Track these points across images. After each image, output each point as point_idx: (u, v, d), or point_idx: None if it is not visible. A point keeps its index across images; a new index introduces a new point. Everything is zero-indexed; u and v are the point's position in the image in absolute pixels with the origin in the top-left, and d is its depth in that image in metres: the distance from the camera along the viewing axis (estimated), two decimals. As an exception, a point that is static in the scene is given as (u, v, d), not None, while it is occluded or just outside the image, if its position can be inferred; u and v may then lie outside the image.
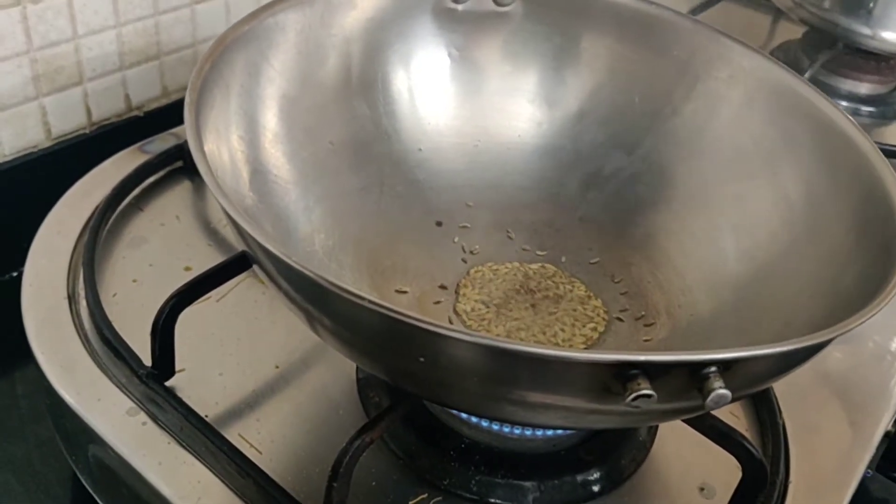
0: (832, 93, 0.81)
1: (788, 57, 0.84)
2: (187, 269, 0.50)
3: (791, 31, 0.88)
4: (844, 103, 0.80)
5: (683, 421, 0.41)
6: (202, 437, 0.41)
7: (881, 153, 0.42)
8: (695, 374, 0.28)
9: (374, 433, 0.37)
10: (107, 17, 0.59)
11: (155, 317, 0.42)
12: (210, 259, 0.48)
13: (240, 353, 0.46)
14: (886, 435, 0.51)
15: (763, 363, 0.30)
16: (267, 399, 0.44)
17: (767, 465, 0.40)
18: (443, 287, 0.48)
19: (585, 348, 0.45)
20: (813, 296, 0.40)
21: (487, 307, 0.46)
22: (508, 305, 0.46)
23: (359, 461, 0.37)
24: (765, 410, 0.47)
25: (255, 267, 0.37)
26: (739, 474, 0.39)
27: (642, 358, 0.27)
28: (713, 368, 0.28)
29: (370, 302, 0.29)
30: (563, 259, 0.50)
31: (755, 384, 0.33)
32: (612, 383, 0.28)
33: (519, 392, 0.31)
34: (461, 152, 0.51)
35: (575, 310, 0.46)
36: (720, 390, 0.28)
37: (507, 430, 0.42)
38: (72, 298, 0.47)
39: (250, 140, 0.43)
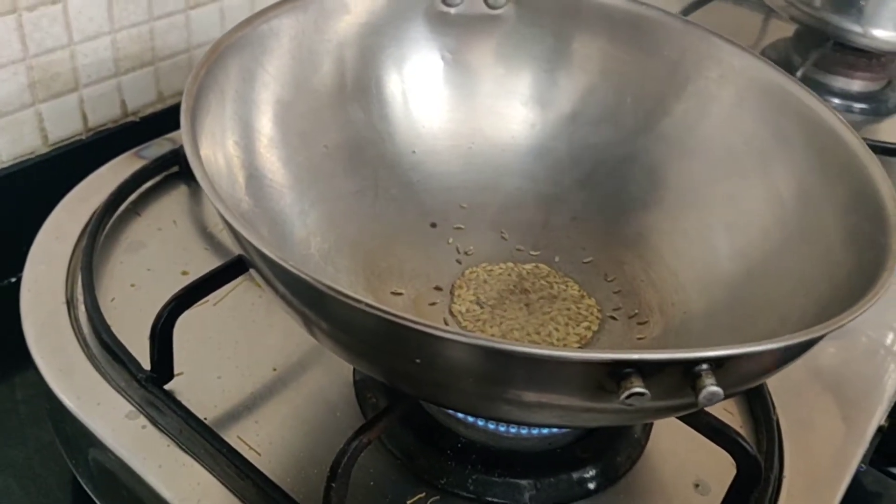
0: (824, 90, 0.81)
1: (780, 55, 0.85)
2: (185, 273, 0.51)
3: (783, 30, 0.88)
4: (836, 101, 0.81)
5: (678, 418, 0.41)
6: (201, 439, 0.41)
7: (870, 150, 0.42)
8: (687, 372, 0.29)
9: (372, 434, 0.38)
10: (102, 23, 0.59)
11: (153, 321, 0.43)
12: (207, 263, 0.48)
13: (238, 356, 0.47)
14: (879, 430, 0.51)
15: (754, 360, 0.31)
16: (265, 401, 0.44)
17: (762, 461, 0.40)
18: (438, 288, 0.48)
19: (579, 347, 0.45)
20: (806, 293, 0.40)
21: (482, 308, 0.46)
22: (503, 306, 0.47)
23: (357, 462, 0.38)
24: (759, 406, 0.47)
25: (251, 270, 0.38)
26: (734, 470, 0.40)
27: (635, 356, 0.28)
28: (705, 366, 0.28)
29: (366, 305, 0.30)
30: (557, 259, 0.50)
31: (747, 381, 0.33)
32: (605, 382, 0.28)
33: (514, 391, 0.31)
34: (455, 154, 0.52)
35: (569, 309, 0.47)
36: (712, 387, 0.28)
37: (503, 429, 0.42)
38: (70, 303, 0.48)
39: (246, 145, 0.43)
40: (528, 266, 0.50)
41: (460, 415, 0.42)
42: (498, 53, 0.52)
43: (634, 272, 0.48)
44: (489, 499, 0.41)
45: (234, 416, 0.44)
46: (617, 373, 0.28)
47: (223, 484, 0.40)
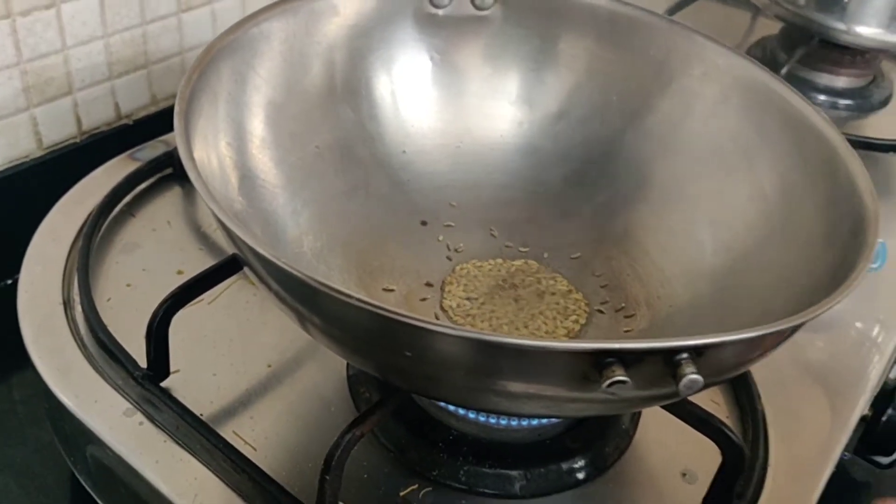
0: (810, 87, 0.81)
1: (766, 52, 0.85)
2: (179, 272, 0.51)
3: (769, 27, 0.88)
4: (822, 97, 0.81)
5: (664, 408, 0.42)
6: (198, 435, 0.42)
7: (850, 146, 0.43)
8: (668, 361, 0.29)
9: (365, 427, 0.38)
10: (95, 28, 0.59)
11: (149, 319, 0.43)
12: (201, 263, 0.48)
13: (233, 353, 0.47)
14: (863, 419, 0.52)
15: (733, 349, 0.31)
16: (260, 397, 0.45)
17: (746, 450, 0.41)
18: (429, 284, 0.49)
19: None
20: (788, 285, 0.41)
21: (472, 303, 0.47)
22: (493, 301, 0.47)
23: (351, 455, 0.38)
24: (744, 397, 0.48)
25: (245, 269, 0.38)
26: (720, 459, 0.40)
27: (617, 346, 0.28)
28: (685, 355, 0.29)
29: (357, 300, 0.30)
30: (545, 255, 0.51)
31: (728, 370, 0.34)
32: (589, 371, 0.29)
33: (502, 382, 0.32)
34: (444, 153, 0.52)
35: (557, 303, 0.47)
36: (692, 375, 0.29)
37: (493, 420, 0.43)
38: (67, 304, 0.48)
39: (238, 146, 0.44)
40: (517, 262, 0.50)
41: (451, 407, 0.43)
42: (485, 54, 0.53)
43: (621, 267, 0.49)
44: (480, 489, 0.42)
45: (230, 412, 0.44)
46: (600, 362, 0.29)
47: (220, 478, 0.40)
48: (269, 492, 0.39)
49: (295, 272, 0.31)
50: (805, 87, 0.81)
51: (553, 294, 0.48)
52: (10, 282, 0.58)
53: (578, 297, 0.48)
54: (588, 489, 0.43)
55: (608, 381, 0.28)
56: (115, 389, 0.44)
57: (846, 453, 0.52)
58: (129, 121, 0.65)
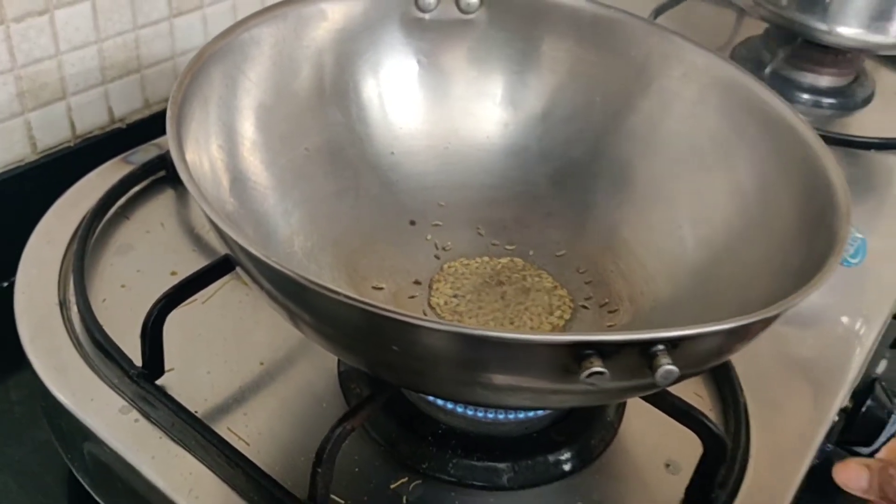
0: (794, 86, 0.82)
1: (752, 52, 0.86)
2: (173, 273, 0.52)
3: (755, 28, 0.89)
4: (806, 96, 0.82)
5: (647, 401, 0.43)
6: (192, 431, 0.42)
7: (824, 143, 0.44)
8: (644, 353, 0.30)
9: (355, 421, 0.39)
10: (88, 33, 0.60)
11: (144, 319, 0.44)
12: (195, 264, 0.49)
13: (226, 351, 0.48)
14: (844, 410, 0.53)
15: (707, 341, 0.32)
16: (253, 394, 0.46)
17: (726, 440, 0.42)
18: (417, 282, 0.49)
19: (552, 335, 0.47)
20: (766, 278, 0.42)
21: (459, 300, 0.48)
22: (480, 298, 0.48)
23: (342, 449, 0.39)
24: (727, 390, 0.49)
25: (238, 269, 0.39)
26: (702, 450, 0.42)
27: (594, 338, 0.29)
28: (661, 346, 0.30)
29: (345, 296, 0.31)
30: (531, 252, 0.52)
31: (704, 361, 0.35)
32: (569, 363, 0.30)
33: (487, 375, 0.33)
34: (432, 154, 0.53)
35: (542, 299, 0.48)
36: (668, 366, 0.30)
37: (481, 414, 0.43)
38: (63, 305, 0.49)
39: (229, 149, 0.45)
40: (503, 260, 0.51)
41: (440, 402, 0.44)
42: (470, 57, 0.54)
43: (605, 264, 0.50)
44: (469, 482, 0.42)
45: (224, 409, 0.45)
46: (579, 354, 0.30)
47: (214, 473, 0.41)
48: (262, 486, 0.40)
49: (286, 271, 0.32)
50: (789, 87, 0.82)
51: (538, 291, 0.49)
52: (5, 284, 0.58)
53: (563, 293, 0.49)
54: (574, 480, 0.44)
55: (587, 372, 0.29)
56: (111, 387, 0.45)
57: (828, 445, 0.53)
58: (123, 125, 0.66)
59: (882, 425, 0.52)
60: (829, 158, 0.43)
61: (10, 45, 0.56)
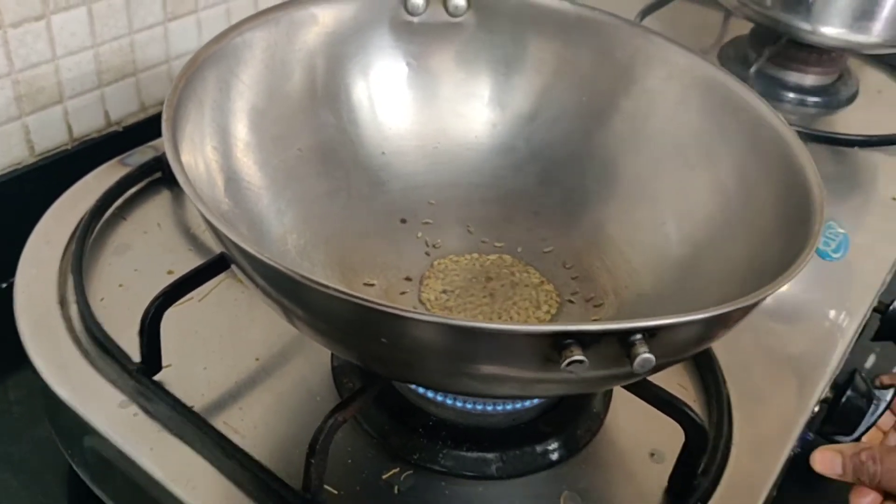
0: (780, 85, 0.83)
1: (738, 52, 0.87)
2: (170, 272, 0.52)
3: (742, 28, 0.89)
4: (791, 94, 0.83)
5: (632, 391, 0.44)
6: (190, 425, 0.43)
7: (801, 141, 0.45)
8: (622, 342, 0.31)
9: (347, 412, 0.40)
10: (84, 38, 0.60)
11: (142, 316, 0.45)
12: (191, 262, 0.49)
13: (222, 347, 0.49)
14: (825, 401, 0.54)
15: (684, 330, 0.33)
16: (249, 389, 0.46)
17: (708, 430, 0.43)
18: (408, 279, 0.50)
19: (539, 329, 0.48)
20: (745, 271, 0.43)
21: (449, 295, 0.49)
22: (469, 293, 0.49)
23: (335, 441, 0.40)
24: (710, 381, 0.50)
25: (233, 267, 0.39)
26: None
27: (574, 328, 0.31)
28: (638, 336, 0.31)
29: (336, 291, 0.32)
30: (519, 249, 0.53)
31: (681, 350, 0.36)
32: (550, 353, 0.31)
33: (473, 365, 0.34)
34: (422, 154, 0.54)
35: (530, 295, 0.49)
36: (645, 355, 0.31)
37: (469, 406, 0.44)
38: (62, 303, 0.49)
39: (224, 150, 0.45)
40: (492, 257, 0.52)
41: (430, 394, 0.45)
42: (459, 59, 0.55)
43: (591, 259, 0.51)
44: (459, 472, 0.43)
45: (220, 404, 0.46)
46: (559, 343, 0.31)
47: (211, 464, 0.42)
48: (258, 476, 0.41)
49: (280, 267, 0.33)
50: (775, 85, 0.83)
51: (526, 286, 0.50)
52: (4, 285, 0.59)
53: (550, 288, 0.50)
54: (561, 469, 0.45)
55: (567, 361, 0.30)
56: (110, 383, 0.45)
57: (810, 434, 0.55)
58: (119, 127, 0.66)
59: (862, 414, 0.53)
60: (805, 156, 0.44)
61: (8, 49, 0.57)
